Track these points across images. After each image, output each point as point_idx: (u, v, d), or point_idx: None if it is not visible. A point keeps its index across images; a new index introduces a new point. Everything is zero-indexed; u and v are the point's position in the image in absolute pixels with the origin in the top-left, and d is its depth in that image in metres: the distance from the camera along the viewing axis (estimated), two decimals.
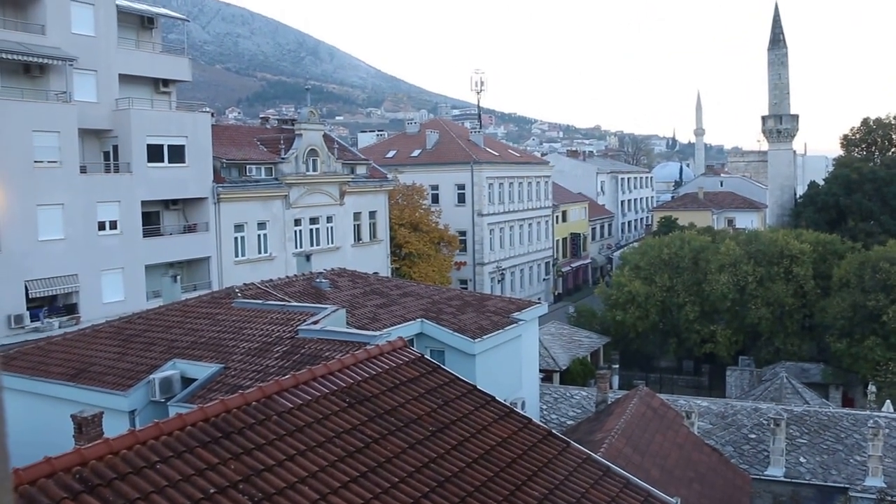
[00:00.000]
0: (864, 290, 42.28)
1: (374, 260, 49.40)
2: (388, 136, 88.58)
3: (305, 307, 20.16)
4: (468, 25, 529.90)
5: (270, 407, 9.24)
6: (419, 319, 25.64)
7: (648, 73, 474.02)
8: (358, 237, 50.36)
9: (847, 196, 61.10)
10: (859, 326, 41.93)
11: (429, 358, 12.66)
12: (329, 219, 48.23)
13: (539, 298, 56.54)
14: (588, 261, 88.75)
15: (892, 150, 69.43)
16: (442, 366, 12.51)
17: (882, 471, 26.36)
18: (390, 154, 67.93)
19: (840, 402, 42.02)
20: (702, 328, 47.82)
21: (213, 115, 47.56)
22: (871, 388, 37.45)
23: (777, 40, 74.84)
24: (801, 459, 28.09)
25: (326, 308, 19.71)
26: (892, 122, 69.39)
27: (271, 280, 26.11)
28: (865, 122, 70.18)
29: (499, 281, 67.69)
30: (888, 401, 35.16)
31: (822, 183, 69.37)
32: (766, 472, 27.39)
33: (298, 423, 9.16)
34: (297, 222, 45.85)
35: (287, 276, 28.97)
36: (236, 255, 42.03)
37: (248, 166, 43.74)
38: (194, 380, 16.81)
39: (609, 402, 28.36)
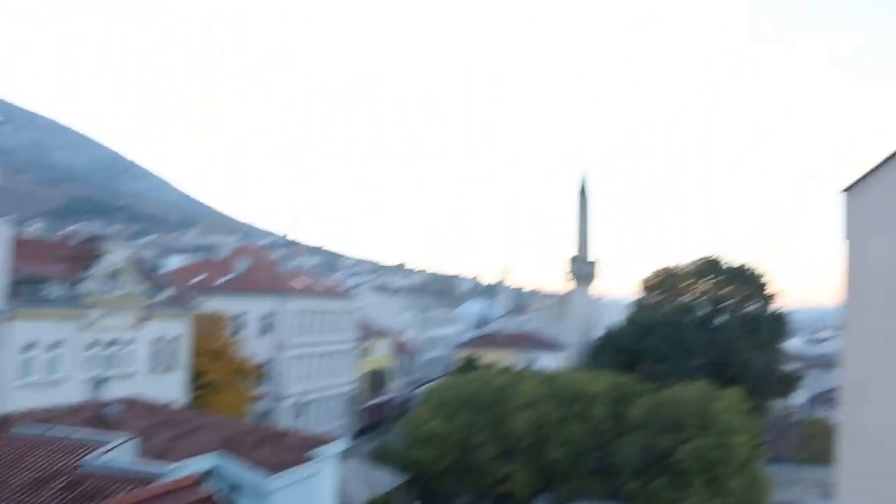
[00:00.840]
0: (656, 430, 44.40)
1: (171, 388, 47.51)
2: (196, 260, 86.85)
3: (92, 437, 19.23)
4: (281, 156, 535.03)
5: None
6: (214, 453, 24.94)
7: (456, 212, 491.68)
8: (156, 364, 48.45)
9: (642, 339, 64.73)
10: (651, 466, 43.66)
11: (220, 497, 12.42)
12: (127, 343, 46.12)
13: (339, 434, 55.92)
14: (390, 397, 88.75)
15: (684, 297, 74.64)
16: None
17: None
18: (197, 279, 66.42)
19: None
20: (500, 467, 48.10)
21: (13, 225, 45.11)
22: None
23: (583, 189, 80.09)
24: None
25: (114, 439, 18.91)
26: (684, 270, 75.09)
27: (58, 406, 24.79)
28: (660, 269, 75.47)
29: (299, 415, 66.53)
30: None
31: (619, 326, 73.48)
32: None
33: None
34: (93, 345, 43.58)
35: (76, 403, 27.59)
36: (21, 378, 39.32)
37: (45, 282, 41.60)
38: None
39: None
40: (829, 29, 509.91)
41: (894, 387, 10.53)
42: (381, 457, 53.04)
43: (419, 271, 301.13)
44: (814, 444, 58.47)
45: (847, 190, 13.76)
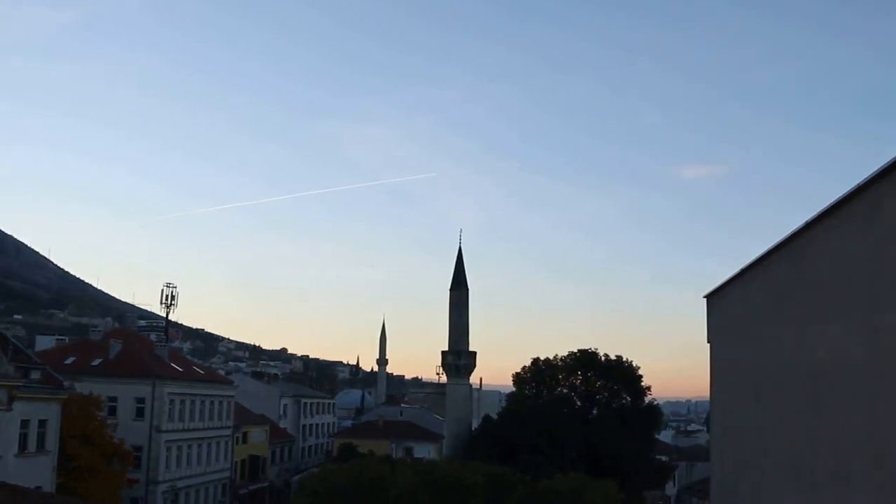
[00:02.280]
0: None
1: (39, 473, 45.60)
2: (68, 341, 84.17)
3: None
4: (160, 236, 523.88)
5: None
6: None
7: (335, 301, 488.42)
8: (23, 447, 46.54)
9: (517, 431, 65.61)
10: None
11: None
12: None
13: None
14: (266, 484, 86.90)
15: (558, 388, 76.23)
16: None
17: None
18: (69, 360, 64.45)
19: None
20: None
21: None
22: None
23: (459, 282, 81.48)
24: None
25: None
26: (558, 362, 76.71)
27: None
28: (535, 361, 77.02)
29: (172, 501, 64.56)
30: None
31: (495, 417, 74.35)
32: None
33: None
34: None
35: None
36: None
37: None
38: None
39: None
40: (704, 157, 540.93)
41: (757, 483, 11.54)
42: None
43: (300, 356, 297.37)
44: None
45: (708, 296, 14.84)
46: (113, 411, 61.02)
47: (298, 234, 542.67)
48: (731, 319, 13.58)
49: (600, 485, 47.65)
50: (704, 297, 15.06)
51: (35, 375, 48.95)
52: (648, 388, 75.35)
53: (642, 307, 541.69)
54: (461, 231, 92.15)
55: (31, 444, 47.13)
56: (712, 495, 14.25)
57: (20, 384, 46.34)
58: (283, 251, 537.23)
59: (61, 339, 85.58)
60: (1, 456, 44.37)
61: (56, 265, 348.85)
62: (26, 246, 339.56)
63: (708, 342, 15.10)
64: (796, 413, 9.56)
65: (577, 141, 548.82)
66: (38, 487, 40.81)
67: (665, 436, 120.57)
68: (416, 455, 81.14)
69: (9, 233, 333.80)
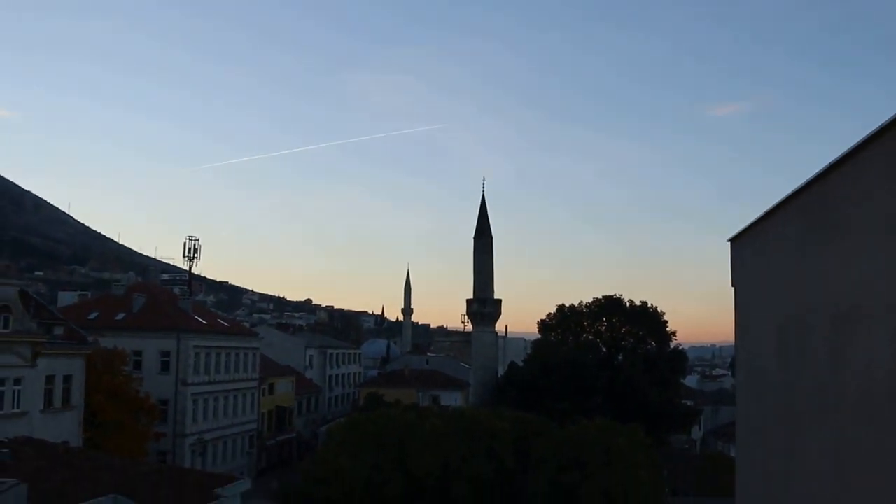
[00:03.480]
0: (560, 466, 44.84)
1: (65, 428, 45.78)
2: (91, 296, 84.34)
3: None
4: (182, 190, 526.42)
5: None
6: (112, 495, 24.14)
7: (360, 251, 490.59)
8: (49, 403, 46.61)
9: (544, 377, 65.35)
10: (556, 502, 43.97)
11: None
12: (17, 381, 44.17)
13: (242, 473, 54.86)
14: (294, 435, 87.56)
15: (584, 335, 75.76)
16: None
17: None
18: (93, 315, 64.47)
19: None
20: None
21: None
22: None
23: (483, 230, 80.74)
24: None
25: (4, 482, 18.12)
26: (584, 309, 76.12)
27: None
28: (560, 308, 76.43)
29: (200, 454, 64.93)
30: None
31: (521, 364, 74.07)
32: None
33: None
34: None
35: None
36: None
37: None
38: None
39: None
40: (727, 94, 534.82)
41: (782, 426, 11.05)
42: (285, 495, 52.14)
43: (325, 307, 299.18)
44: (711, 477, 59.92)
45: (732, 240, 14.54)
46: (138, 365, 61.19)
47: (321, 184, 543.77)
48: (756, 263, 13.05)
49: (626, 429, 47.35)
50: (729, 240, 14.46)
51: (58, 331, 48.91)
52: (674, 334, 74.73)
53: (668, 252, 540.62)
54: (484, 179, 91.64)
55: (57, 400, 47.23)
56: (738, 438, 13.79)
57: (44, 340, 46.36)
58: (306, 202, 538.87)
59: (83, 295, 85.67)
60: (27, 412, 44.50)
61: (76, 220, 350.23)
62: (45, 202, 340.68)
63: (732, 286, 14.57)
64: (822, 355, 9.16)
65: (601, 84, 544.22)
66: (65, 443, 40.90)
67: (690, 381, 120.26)
68: (442, 403, 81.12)
69: (28, 189, 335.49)
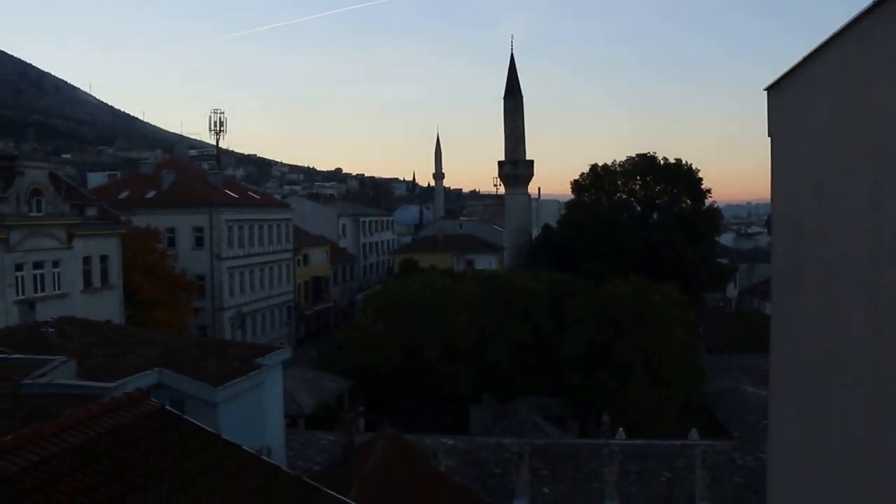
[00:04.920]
0: (596, 326, 45.04)
1: (107, 307, 46.56)
2: (120, 176, 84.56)
3: (29, 359, 18.56)
4: (207, 64, 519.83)
5: None
6: (157, 369, 24.47)
7: (389, 117, 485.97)
8: (88, 283, 47.27)
9: (578, 238, 64.92)
10: (592, 360, 44.40)
11: (170, 409, 12.07)
12: (55, 263, 44.79)
13: (281, 343, 55.78)
14: (330, 304, 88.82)
15: (618, 194, 74.82)
16: (184, 416, 11.97)
17: (618, 494, 28.10)
18: (123, 195, 64.69)
19: (577, 433, 43.95)
20: (444, 368, 48.37)
21: None
22: (605, 417, 39.67)
23: (513, 90, 79.05)
24: (545, 489, 29.40)
25: (53, 360, 18.29)
26: (617, 168, 74.90)
27: None
28: (593, 168, 75.23)
29: (239, 326, 66.13)
30: (620, 429, 37.62)
31: (555, 226, 73.67)
32: None
33: (25, 489, 8.25)
34: (19, 267, 42.19)
35: (8, 327, 26.77)
36: None
37: None
38: None
39: (356, 446, 28.33)
40: None
41: (819, 277, 10.68)
42: (325, 363, 53.19)
43: (356, 175, 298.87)
44: (745, 334, 60.19)
45: (769, 88, 13.81)
46: (172, 242, 61.73)
47: (347, 51, 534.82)
48: (795, 110, 12.38)
49: (662, 288, 47.24)
50: (766, 88, 13.72)
51: (91, 212, 49.08)
52: (709, 191, 73.39)
53: (703, 106, 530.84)
54: (513, 37, 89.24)
55: (96, 280, 47.85)
56: (773, 295, 13.46)
57: (77, 222, 46.62)
58: (332, 71, 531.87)
59: (112, 175, 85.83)
60: (68, 293, 45.20)
61: (99, 100, 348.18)
62: (65, 83, 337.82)
63: (769, 136, 13.94)
64: (860, 207, 8.66)
65: None
66: (108, 321, 41.58)
67: (725, 239, 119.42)
68: (476, 267, 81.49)
69: (46, 70, 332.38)
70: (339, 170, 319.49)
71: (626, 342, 43.60)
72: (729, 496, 28.31)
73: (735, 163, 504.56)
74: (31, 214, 43.22)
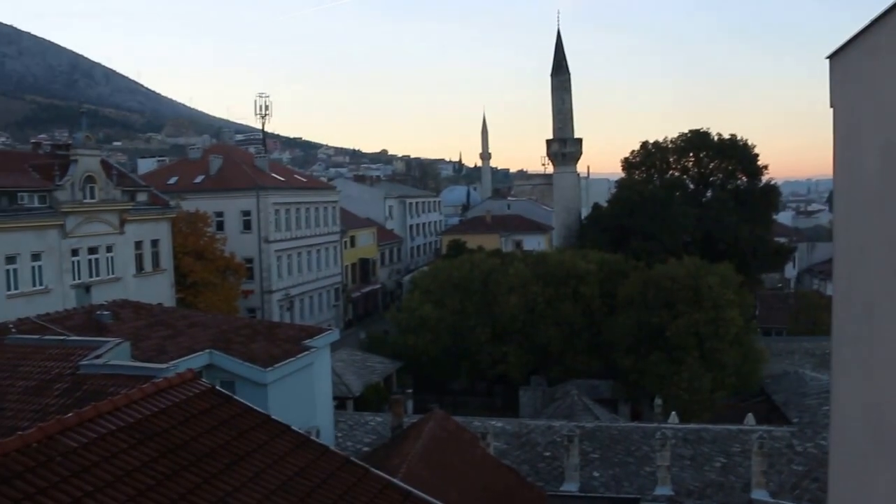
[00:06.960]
0: (648, 307, 44.02)
1: (158, 290, 47.20)
2: (169, 161, 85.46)
3: (86, 341, 18.79)
4: (251, 49, 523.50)
5: (53, 448, 8.49)
6: (208, 350, 24.70)
7: (434, 97, 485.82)
8: (140, 267, 47.98)
9: (629, 217, 63.75)
10: (644, 342, 43.46)
11: (220, 389, 12.11)
12: (109, 248, 45.62)
13: (330, 325, 56.14)
14: (378, 286, 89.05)
15: (670, 172, 73.40)
16: (234, 396, 12.00)
17: (670, 479, 27.73)
18: (172, 180, 65.43)
19: (629, 417, 43.44)
20: (493, 349, 48.10)
21: None
22: (658, 401, 39.11)
23: (560, 67, 78.04)
24: (595, 473, 29.15)
25: (109, 342, 18.51)
26: (669, 145, 73.30)
27: (48, 314, 24.42)
28: (644, 145, 73.82)
29: (288, 308, 66.63)
30: (673, 412, 37.04)
31: (605, 205, 72.60)
32: (561, 488, 28.13)
33: (85, 464, 8.46)
34: (75, 252, 43.03)
35: (65, 310, 27.22)
36: (8, 289, 38.85)
37: (19, 194, 40.73)
38: None
39: (404, 427, 28.36)
40: None
41: (886, 254, 10.17)
42: (373, 345, 53.32)
43: (401, 157, 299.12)
44: (805, 316, 58.94)
45: (831, 57, 13.22)
46: (220, 226, 62.30)
47: (388, 33, 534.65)
48: (858, 79, 11.84)
49: (717, 268, 45.97)
50: (828, 57, 13.13)
51: (142, 198, 49.77)
52: (765, 167, 71.46)
53: (759, 78, 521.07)
54: (559, 12, 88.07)
55: (147, 264, 48.58)
56: (835, 276, 12.90)
57: (129, 207, 47.35)
58: (376, 52, 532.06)
59: (161, 161, 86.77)
60: (121, 277, 45.96)
61: (147, 88, 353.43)
62: (115, 72, 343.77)
63: (831, 106, 13.35)
64: None
65: None
66: (159, 303, 42.08)
67: (784, 217, 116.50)
68: (525, 247, 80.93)
69: (97, 60, 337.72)
70: (384, 151, 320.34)
71: (679, 324, 42.51)
72: (787, 484, 27.72)
73: (794, 138, 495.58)
74: (85, 201, 44.05)
